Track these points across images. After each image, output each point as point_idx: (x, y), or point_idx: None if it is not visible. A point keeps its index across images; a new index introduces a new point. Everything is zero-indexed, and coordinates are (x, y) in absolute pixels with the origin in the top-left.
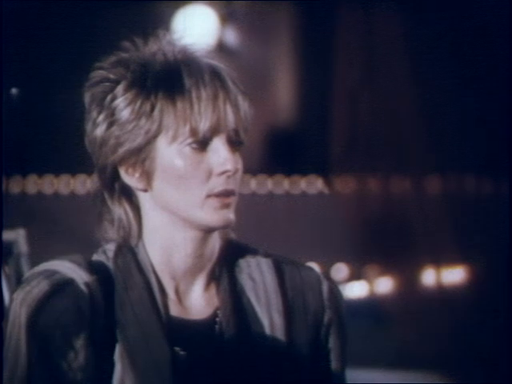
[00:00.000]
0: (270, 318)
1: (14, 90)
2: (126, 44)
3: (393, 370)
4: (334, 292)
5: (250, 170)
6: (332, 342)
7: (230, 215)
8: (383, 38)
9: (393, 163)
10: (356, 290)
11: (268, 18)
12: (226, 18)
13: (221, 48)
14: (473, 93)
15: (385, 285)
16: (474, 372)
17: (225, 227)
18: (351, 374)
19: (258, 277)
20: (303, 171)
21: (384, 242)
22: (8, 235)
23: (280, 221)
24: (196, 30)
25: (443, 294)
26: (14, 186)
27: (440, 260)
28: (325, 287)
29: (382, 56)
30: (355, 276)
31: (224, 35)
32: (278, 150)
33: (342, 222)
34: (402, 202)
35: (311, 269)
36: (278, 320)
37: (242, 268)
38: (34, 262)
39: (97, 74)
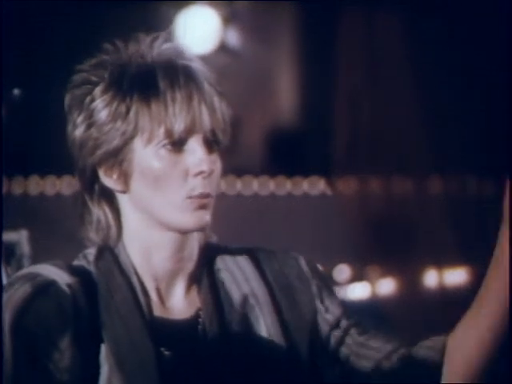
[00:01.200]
0: (255, 298)
1: (15, 91)
2: (107, 46)
3: None
4: (312, 264)
5: (252, 171)
6: (329, 302)
7: (206, 216)
8: (385, 39)
9: (394, 164)
10: (358, 292)
11: (270, 19)
12: (228, 18)
13: (223, 49)
14: (474, 94)
15: (387, 286)
16: None
17: (201, 229)
18: None
19: (234, 267)
20: (305, 172)
21: (386, 243)
22: (10, 236)
23: (282, 222)
24: (198, 30)
25: (445, 295)
26: (16, 186)
27: (442, 261)
28: (302, 262)
29: (384, 57)
30: (357, 277)
31: (226, 36)
32: (279, 152)
33: (344, 224)
34: (404, 203)
35: (286, 250)
36: (264, 296)
37: (219, 265)
38: (37, 263)
39: (77, 76)
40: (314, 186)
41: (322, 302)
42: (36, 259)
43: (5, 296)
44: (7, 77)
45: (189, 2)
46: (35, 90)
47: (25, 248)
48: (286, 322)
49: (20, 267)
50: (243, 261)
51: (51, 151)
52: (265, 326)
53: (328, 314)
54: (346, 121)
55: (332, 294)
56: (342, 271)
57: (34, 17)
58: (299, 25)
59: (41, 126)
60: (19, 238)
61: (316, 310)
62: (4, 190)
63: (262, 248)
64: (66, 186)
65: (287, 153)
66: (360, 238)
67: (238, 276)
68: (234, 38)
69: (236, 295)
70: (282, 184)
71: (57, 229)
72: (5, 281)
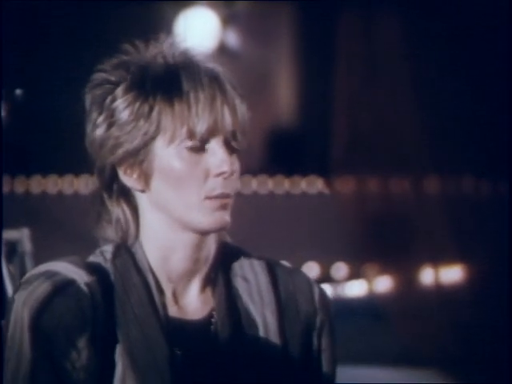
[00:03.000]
0: (263, 317)
1: (18, 91)
2: (128, 47)
3: (391, 366)
4: (324, 296)
5: (251, 170)
6: (324, 343)
7: (226, 217)
8: (383, 39)
9: (391, 164)
10: (355, 289)
11: (269, 20)
12: (228, 20)
13: (222, 50)
14: (471, 95)
15: (383, 283)
16: (471, 369)
17: (221, 229)
18: (350, 371)
19: (251, 278)
20: (303, 172)
21: (383, 241)
22: (12, 234)
23: (281, 220)
24: (198, 32)
25: (441, 292)
26: (19, 185)
27: (438, 259)
28: (316, 291)
29: (382, 58)
30: (355, 275)
31: (225, 37)
32: (278, 151)
33: (342, 222)
34: (401, 202)
35: (302, 273)
36: (271, 319)
37: (236, 270)
38: (38, 261)
39: (98, 76)
40: (312, 185)
41: (319, 337)
42: (38, 257)
43: (23, 293)
44: (10, 77)
45: (189, 3)
46: (38, 91)
47: (27, 246)
48: (286, 340)
49: (22, 265)
50: (261, 273)
51: (53, 151)
52: (266, 337)
53: (317, 351)
54: (344, 121)
55: (331, 332)
56: (340, 269)
57: (41, 18)
58: (297, 26)
59: (43, 127)
60: (21, 235)
61: (310, 341)
62: (7, 188)
63: (281, 264)
64: (67, 185)
65: (286, 152)
66: (357, 237)
67: (253, 287)
68: (233, 39)
69: (248, 303)
70: (280, 183)
71: (58, 227)
72: (6, 278)
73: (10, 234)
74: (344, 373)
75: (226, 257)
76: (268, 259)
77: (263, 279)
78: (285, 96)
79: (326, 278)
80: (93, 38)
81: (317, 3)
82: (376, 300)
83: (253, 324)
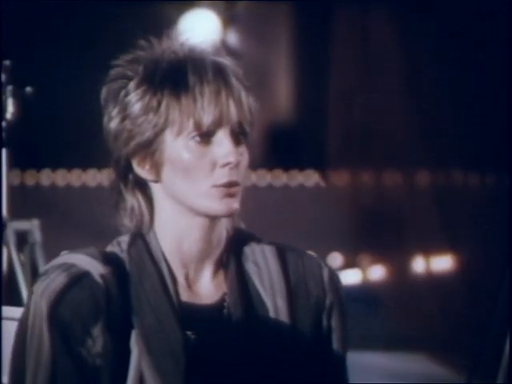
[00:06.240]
0: (273, 301)
1: (28, 89)
2: (142, 42)
3: (384, 351)
4: (334, 277)
5: (251, 164)
6: (334, 323)
7: (234, 204)
8: (378, 37)
9: (384, 158)
10: (350, 278)
11: (269, 21)
12: (228, 20)
13: (223, 50)
14: (462, 92)
15: (377, 272)
16: (459, 354)
17: (229, 215)
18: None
19: (262, 263)
20: (301, 166)
21: (377, 232)
22: (23, 225)
23: (279, 212)
24: (199, 32)
25: (431, 280)
26: (29, 179)
27: (428, 249)
28: (325, 273)
29: (377, 54)
30: (349, 264)
31: (226, 37)
32: (277, 147)
33: (338, 214)
34: (393, 194)
35: (312, 256)
36: (281, 303)
37: (248, 255)
38: (48, 250)
39: (114, 71)
40: (309, 178)
41: (329, 318)
42: (47, 246)
43: (41, 284)
44: (21, 74)
45: (190, 4)
46: (48, 90)
47: (37, 236)
48: (296, 322)
49: (32, 254)
50: (271, 258)
51: (62, 146)
52: (277, 320)
53: (327, 332)
54: (339, 118)
55: (341, 312)
56: (335, 258)
57: (53, 16)
58: (296, 26)
59: (53, 124)
60: (31, 226)
61: (320, 322)
62: (17, 181)
63: (292, 248)
64: (75, 178)
65: (284, 148)
66: (352, 227)
67: (264, 272)
68: (234, 39)
69: (259, 287)
70: (278, 176)
71: (67, 218)
72: (17, 266)
73: (21, 225)
74: None
75: (238, 242)
76: (279, 244)
77: (273, 264)
78: (283, 94)
79: None
80: (99, 38)
81: (315, 4)
82: (370, 288)
83: (264, 307)
